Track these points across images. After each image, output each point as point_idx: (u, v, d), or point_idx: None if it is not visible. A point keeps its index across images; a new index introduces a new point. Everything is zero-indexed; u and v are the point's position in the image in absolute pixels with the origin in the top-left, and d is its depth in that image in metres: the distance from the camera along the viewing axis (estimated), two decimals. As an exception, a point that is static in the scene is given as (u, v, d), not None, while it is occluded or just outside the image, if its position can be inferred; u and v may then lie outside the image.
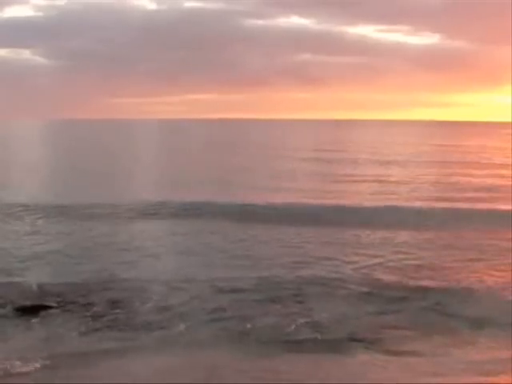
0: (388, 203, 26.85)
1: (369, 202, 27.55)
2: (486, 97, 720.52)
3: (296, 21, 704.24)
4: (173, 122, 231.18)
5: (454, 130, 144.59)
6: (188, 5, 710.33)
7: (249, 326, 11.70)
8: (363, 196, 29.69)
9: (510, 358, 10.41)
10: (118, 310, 12.43)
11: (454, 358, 10.54)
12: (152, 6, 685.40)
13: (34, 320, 11.99)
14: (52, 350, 10.39)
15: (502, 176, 38.52)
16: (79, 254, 17.39)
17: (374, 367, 10.21)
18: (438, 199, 28.84)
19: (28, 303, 12.76)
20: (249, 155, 54.86)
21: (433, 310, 12.79)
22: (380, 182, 35.53)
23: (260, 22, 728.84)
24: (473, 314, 12.49)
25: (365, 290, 14.12)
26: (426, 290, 14.15)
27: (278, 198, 27.74)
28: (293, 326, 11.62)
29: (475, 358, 10.55)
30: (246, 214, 23.80)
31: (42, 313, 12.34)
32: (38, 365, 9.79)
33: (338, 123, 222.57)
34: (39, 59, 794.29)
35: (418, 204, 26.95)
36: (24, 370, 9.63)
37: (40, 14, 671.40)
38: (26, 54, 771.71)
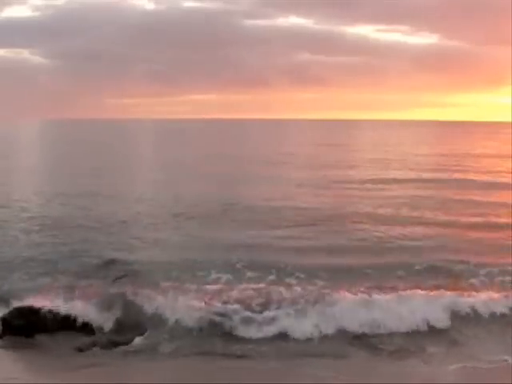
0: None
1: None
2: (485, 97, 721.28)
3: (295, 21, 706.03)
4: (171, 123, 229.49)
5: (454, 130, 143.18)
6: (187, 5, 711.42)
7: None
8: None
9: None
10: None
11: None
12: (150, 6, 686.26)
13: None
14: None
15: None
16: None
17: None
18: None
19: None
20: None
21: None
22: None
23: (260, 22, 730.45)
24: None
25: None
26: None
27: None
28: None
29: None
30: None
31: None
32: None
33: (336, 124, 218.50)
34: (37, 59, 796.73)
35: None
36: None
37: (38, 13, 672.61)
38: (24, 54, 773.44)
